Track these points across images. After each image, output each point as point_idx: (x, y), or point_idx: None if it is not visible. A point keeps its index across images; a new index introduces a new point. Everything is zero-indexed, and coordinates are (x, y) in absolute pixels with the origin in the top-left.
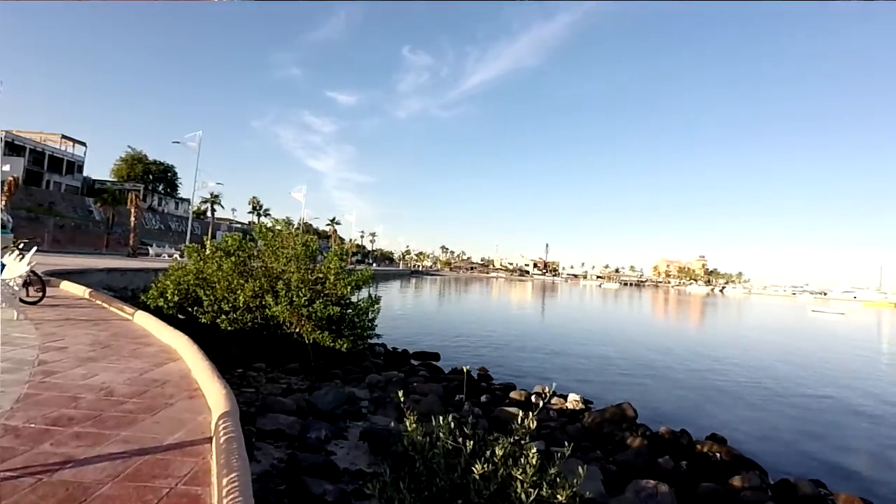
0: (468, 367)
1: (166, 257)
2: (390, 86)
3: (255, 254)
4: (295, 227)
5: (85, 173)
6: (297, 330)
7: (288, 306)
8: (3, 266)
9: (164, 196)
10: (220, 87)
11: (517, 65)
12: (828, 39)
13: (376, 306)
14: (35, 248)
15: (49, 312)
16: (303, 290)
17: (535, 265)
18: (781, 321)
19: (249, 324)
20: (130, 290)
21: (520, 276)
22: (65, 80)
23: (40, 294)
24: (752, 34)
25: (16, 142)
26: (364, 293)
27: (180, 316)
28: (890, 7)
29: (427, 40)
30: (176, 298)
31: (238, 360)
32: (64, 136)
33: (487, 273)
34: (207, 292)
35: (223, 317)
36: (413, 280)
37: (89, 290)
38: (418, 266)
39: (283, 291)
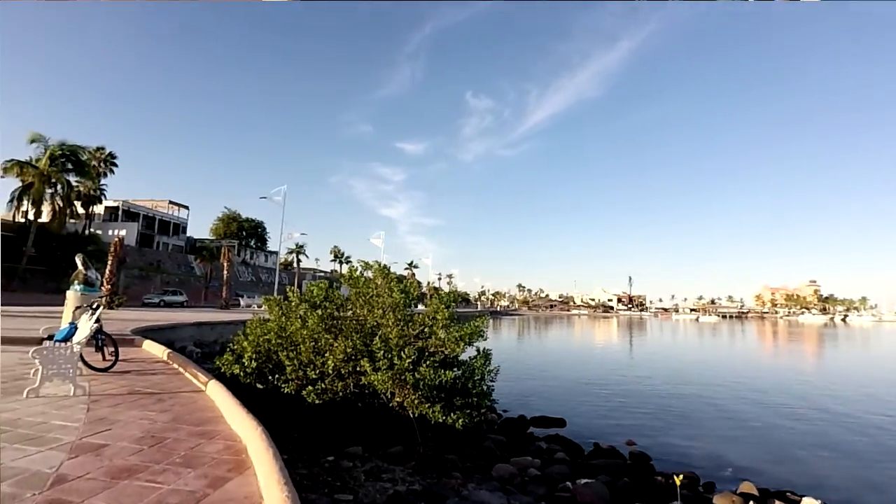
0: (606, 440)
1: (256, 308)
2: (454, 131)
3: (344, 304)
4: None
5: (188, 233)
6: (400, 401)
7: (388, 372)
8: (76, 328)
9: (255, 250)
10: (301, 149)
11: (580, 97)
12: None
13: (494, 367)
14: (100, 311)
15: (115, 382)
16: (405, 349)
17: (618, 300)
18: None
19: (341, 393)
20: (219, 344)
21: (603, 312)
22: (170, 150)
23: (113, 359)
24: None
25: (131, 209)
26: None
27: (259, 385)
28: None
29: (488, 83)
30: (254, 364)
31: (328, 443)
32: (171, 202)
33: (568, 310)
34: (291, 355)
35: (309, 387)
36: (491, 321)
37: (168, 351)
38: (496, 306)
39: (381, 352)
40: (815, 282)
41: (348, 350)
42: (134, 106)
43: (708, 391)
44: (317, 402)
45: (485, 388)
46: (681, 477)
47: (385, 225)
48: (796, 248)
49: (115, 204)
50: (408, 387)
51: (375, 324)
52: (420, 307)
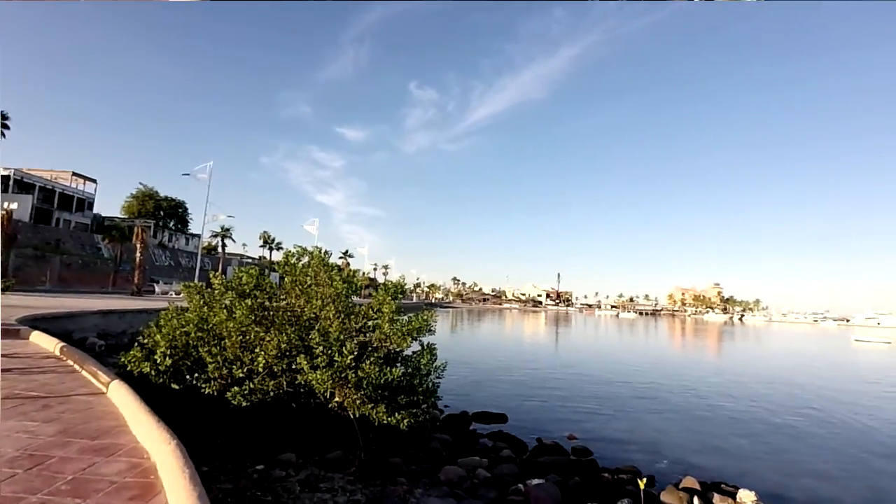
0: (548, 435)
1: (173, 295)
2: (398, 121)
3: (277, 293)
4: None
5: (95, 210)
6: (340, 401)
7: (328, 370)
8: None
9: (174, 232)
10: (230, 126)
11: (523, 97)
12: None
13: (440, 363)
14: None
15: None
16: (347, 344)
17: (547, 295)
18: (833, 354)
19: (272, 393)
20: (129, 336)
21: (533, 306)
22: (75, 116)
23: None
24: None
25: (25, 179)
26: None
27: (175, 385)
28: None
29: (433, 76)
30: (169, 362)
31: (257, 449)
32: (75, 174)
33: (500, 304)
34: (214, 350)
35: (235, 387)
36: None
37: (62, 345)
38: (431, 298)
39: (320, 348)
40: (718, 284)
41: (282, 345)
42: (34, 62)
43: (634, 384)
44: (244, 404)
45: (431, 385)
46: (629, 475)
47: (320, 212)
48: (705, 251)
49: (6, 172)
50: (349, 386)
51: (313, 316)
52: (355, 299)
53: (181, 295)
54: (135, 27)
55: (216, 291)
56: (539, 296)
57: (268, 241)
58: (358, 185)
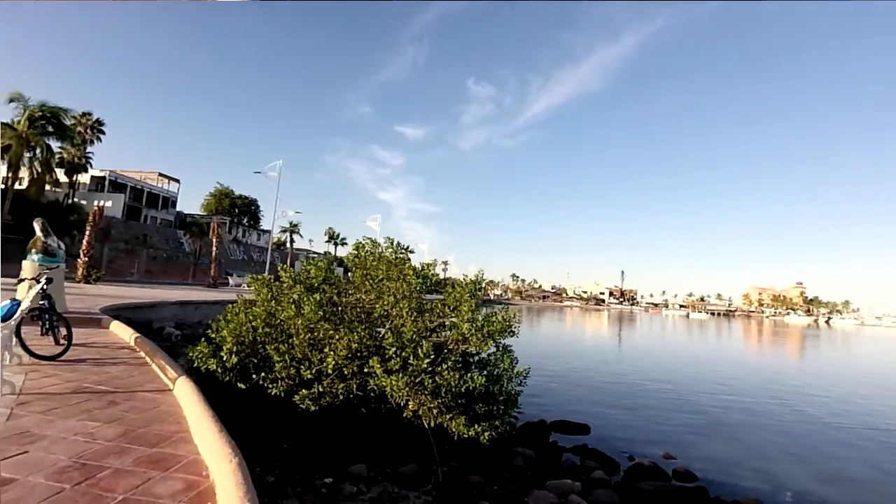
0: (638, 452)
1: (245, 287)
2: (454, 117)
3: (346, 288)
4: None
5: (178, 208)
6: (414, 409)
7: (404, 376)
8: (17, 305)
9: (247, 228)
10: (298, 128)
11: (583, 89)
12: None
13: (522, 369)
14: (44, 282)
15: (60, 375)
16: (422, 345)
17: (610, 293)
18: None
19: (341, 397)
20: (204, 326)
21: (595, 304)
22: (161, 121)
23: (65, 343)
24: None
25: (119, 180)
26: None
27: (241, 385)
28: None
29: (490, 71)
30: (235, 359)
31: (325, 458)
32: (161, 174)
33: (561, 302)
34: (281, 348)
35: (303, 390)
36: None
37: (136, 335)
38: (489, 295)
39: (393, 349)
40: (801, 283)
41: (353, 345)
42: (127, 75)
43: (723, 395)
44: (312, 408)
45: (512, 393)
46: None
47: (381, 209)
48: (785, 249)
49: (102, 174)
50: (426, 393)
51: (384, 313)
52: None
53: (251, 287)
54: (206, 36)
55: (284, 285)
56: (601, 293)
57: (333, 237)
58: (416, 182)
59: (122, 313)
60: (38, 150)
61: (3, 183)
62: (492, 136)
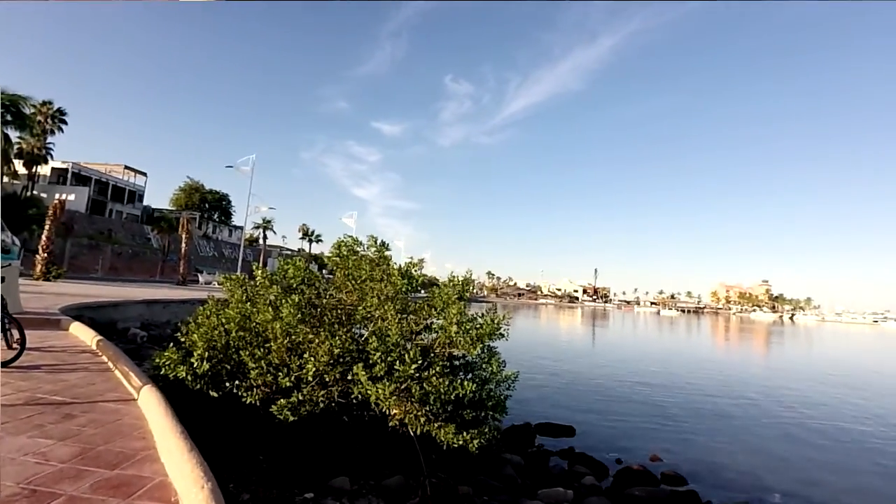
0: (625, 454)
1: (216, 285)
2: (433, 114)
3: (328, 290)
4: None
5: (145, 202)
6: (400, 417)
7: (390, 384)
8: None
9: (218, 224)
10: (273, 122)
11: (561, 89)
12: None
13: (510, 373)
14: None
15: (12, 384)
16: (410, 350)
17: (584, 291)
18: None
19: (322, 405)
20: (171, 326)
21: (569, 302)
22: (127, 113)
23: (17, 348)
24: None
25: (82, 172)
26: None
27: (213, 393)
28: None
29: (468, 69)
30: (207, 366)
31: (305, 470)
32: (126, 167)
33: (536, 299)
34: (257, 353)
35: (281, 399)
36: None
37: (98, 338)
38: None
39: (378, 354)
40: (766, 281)
41: (335, 350)
42: (91, 64)
43: (701, 391)
44: (291, 418)
45: (500, 398)
46: None
47: (357, 205)
48: (752, 249)
49: (64, 166)
50: (413, 400)
51: (368, 315)
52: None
53: (224, 286)
54: (179, 26)
55: (260, 285)
56: (575, 291)
57: (307, 234)
58: (393, 179)
59: (84, 313)
60: None
61: None
62: (470, 133)
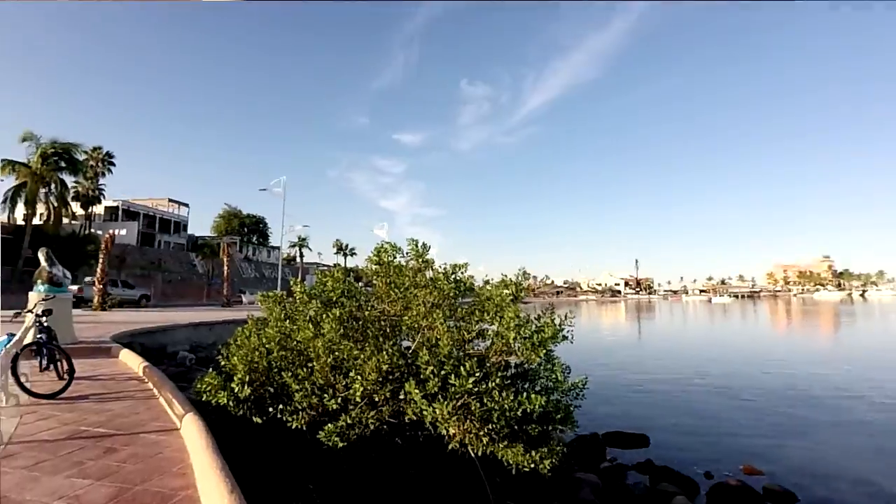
0: (714, 466)
1: (258, 304)
2: (451, 119)
3: (369, 300)
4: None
5: (189, 231)
6: (459, 438)
7: (448, 402)
8: (11, 338)
9: (257, 246)
10: (298, 145)
11: (577, 79)
12: None
13: (579, 380)
14: (36, 314)
15: (58, 417)
16: (465, 363)
17: (626, 284)
18: None
19: (372, 426)
20: (218, 348)
21: (611, 296)
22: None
23: (66, 379)
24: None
25: (131, 208)
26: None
27: (256, 419)
28: None
29: (482, 70)
30: (248, 391)
31: (357, 497)
32: (170, 200)
33: (575, 296)
34: (300, 374)
35: (329, 425)
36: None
37: (144, 364)
38: None
39: (430, 368)
40: (828, 257)
41: (383, 366)
42: (129, 107)
43: (788, 389)
44: (340, 445)
45: (568, 409)
46: None
47: (385, 217)
48: (807, 223)
49: (115, 204)
50: (473, 419)
51: (414, 325)
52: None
53: (262, 305)
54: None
55: (298, 301)
56: (616, 285)
57: (342, 248)
58: (418, 188)
59: (136, 339)
60: (52, 186)
61: (23, 220)
62: (490, 134)
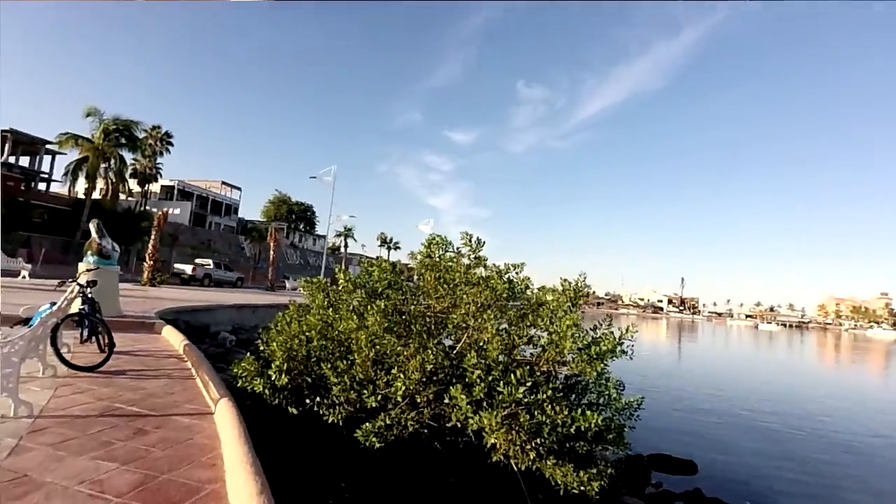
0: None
1: (301, 291)
2: (504, 120)
3: (416, 295)
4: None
5: (240, 214)
6: (504, 450)
7: (496, 412)
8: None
9: (304, 233)
10: (350, 137)
11: (639, 88)
12: None
13: (635, 398)
14: (81, 284)
15: (93, 392)
16: (516, 370)
17: (669, 301)
18: None
19: (411, 428)
20: (259, 332)
21: (653, 312)
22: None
23: (105, 353)
24: None
25: (186, 189)
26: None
27: (292, 410)
28: None
29: (541, 72)
30: (285, 380)
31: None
32: (224, 183)
33: (616, 309)
34: (340, 366)
35: (367, 424)
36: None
37: (185, 342)
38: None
39: (478, 372)
40: (886, 294)
41: (427, 366)
42: (191, 89)
43: (836, 422)
44: (378, 445)
45: (620, 428)
46: None
47: (431, 214)
48: (865, 259)
49: (171, 183)
50: (521, 431)
51: (463, 324)
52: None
53: (304, 291)
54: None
55: (342, 289)
56: (659, 301)
57: (386, 242)
58: (466, 187)
59: (181, 317)
60: (112, 162)
61: (83, 194)
62: (543, 137)
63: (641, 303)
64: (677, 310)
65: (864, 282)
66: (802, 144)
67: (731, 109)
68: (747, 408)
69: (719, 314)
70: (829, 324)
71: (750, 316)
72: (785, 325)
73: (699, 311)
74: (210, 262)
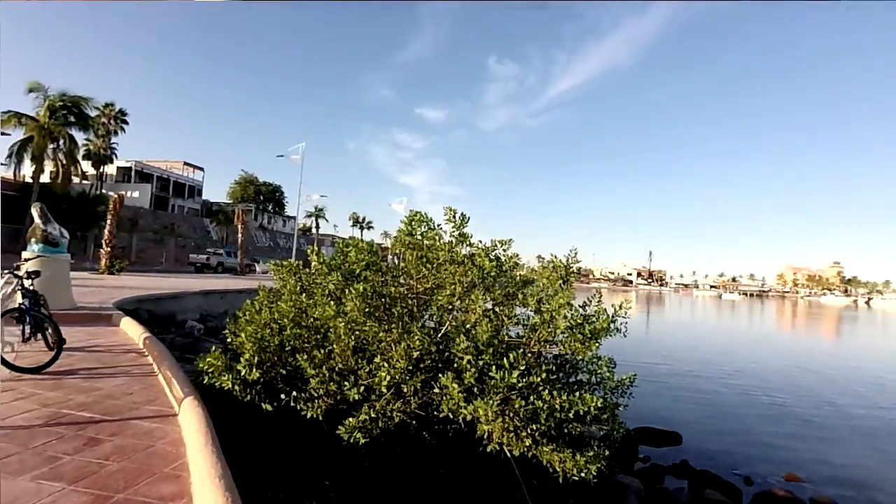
0: (749, 469)
1: (272, 275)
2: (476, 97)
3: (397, 276)
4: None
5: (204, 196)
6: (498, 438)
7: (491, 400)
8: None
9: (273, 215)
10: (319, 114)
11: (610, 64)
12: None
13: (627, 376)
14: (19, 276)
15: (39, 396)
16: (508, 353)
17: (638, 274)
18: None
19: (397, 419)
20: (228, 317)
21: (623, 286)
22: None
23: (54, 351)
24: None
25: (145, 170)
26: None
27: (266, 406)
28: None
29: (512, 49)
30: (257, 374)
31: (380, 498)
32: (186, 163)
33: (588, 283)
34: (318, 356)
35: (349, 420)
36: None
37: (145, 335)
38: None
39: (468, 357)
40: (838, 263)
41: (413, 353)
42: (148, 64)
43: (807, 387)
44: (362, 441)
45: (614, 408)
46: None
47: (404, 192)
48: (822, 228)
49: (128, 164)
50: (516, 417)
51: (448, 306)
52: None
53: (274, 275)
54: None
55: (316, 272)
56: (629, 274)
57: (358, 221)
58: (439, 165)
59: (143, 306)
60: (61, 142)
61: (31, 177)
62: (515, 115)
63: (612, 276)
64: (646, 282)
65: (820, 252)
66: (764, 121)
67: (699, 87)
68: (719, 375)
69: (686, 285)
70: (787, 292)
71: (714, 286)
72: (746, 294)
73: (667, 283)
74: (222, 251)
